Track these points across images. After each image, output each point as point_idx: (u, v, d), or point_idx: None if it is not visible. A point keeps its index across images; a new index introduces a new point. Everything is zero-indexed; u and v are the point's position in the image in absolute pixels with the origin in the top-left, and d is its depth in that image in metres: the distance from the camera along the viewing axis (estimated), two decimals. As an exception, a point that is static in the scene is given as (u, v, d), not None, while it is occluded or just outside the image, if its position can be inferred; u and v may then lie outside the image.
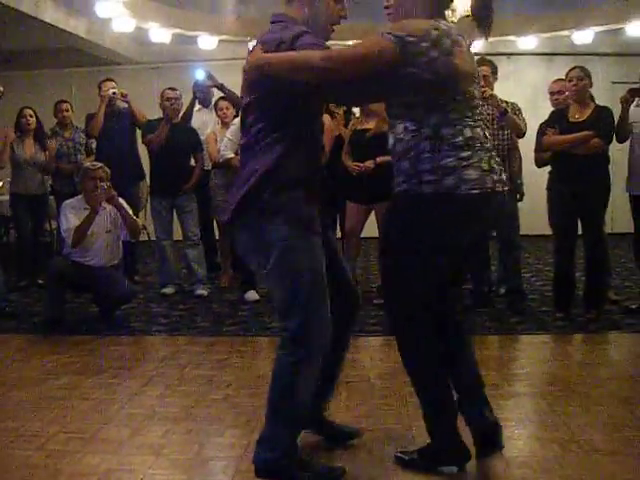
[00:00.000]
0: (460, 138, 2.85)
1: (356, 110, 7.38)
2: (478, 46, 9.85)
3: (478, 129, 2.92)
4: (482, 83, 5.89)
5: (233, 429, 3.75)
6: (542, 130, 6.05)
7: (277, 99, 2.86)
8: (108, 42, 10.03)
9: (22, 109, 7.82)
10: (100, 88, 7.81)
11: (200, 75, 7.88)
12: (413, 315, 3.06)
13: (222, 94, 7.71)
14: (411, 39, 2.73)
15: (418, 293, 3.02)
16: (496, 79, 6.28)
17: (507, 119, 5.92)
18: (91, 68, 10.92)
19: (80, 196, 6.25)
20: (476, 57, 6.10)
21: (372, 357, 5.13)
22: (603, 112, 5.86)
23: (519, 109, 6.20)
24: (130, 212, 6.27)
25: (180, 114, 7.32)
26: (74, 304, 6.76)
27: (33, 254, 7.85)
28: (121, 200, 6.23)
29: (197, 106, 7.99)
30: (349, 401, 4.10)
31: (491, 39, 10.25)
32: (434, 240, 2.94)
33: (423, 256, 2.94)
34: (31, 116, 7.72)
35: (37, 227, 7.95)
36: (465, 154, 2.84)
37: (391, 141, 2.99)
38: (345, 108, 6.96)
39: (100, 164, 6.25)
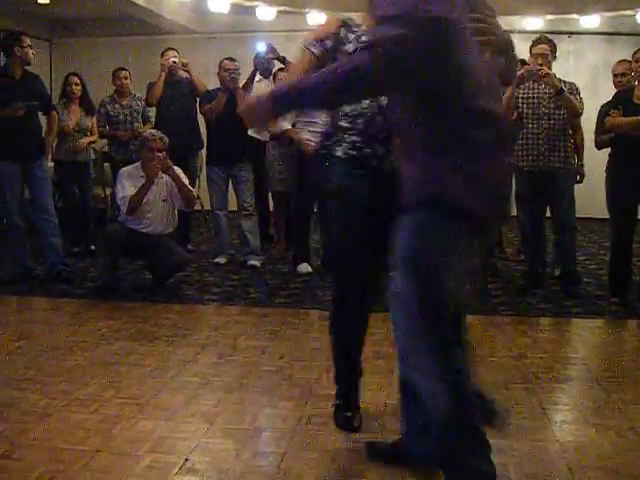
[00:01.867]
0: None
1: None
2: (540, 23, 9.73)
3: None
4: (540, 61, 5.83)
5: (286, 401, 3.76)
6: (604, 111, 5.95)
7: None
8: (166, 11, 10.05)
9: (68, 76, 7.85)
10: (162, 57, 7.83)
11: (261, 47, 7.86)
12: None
13: (283, 66, 7.69)
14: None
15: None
16: (555, 58, 6.16)
17: (563, 98, 5.82)
18: (148, 37, 10.98)
19: (137, 164, 6.28)
20: (536, 35, 6.07)
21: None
22: (668, 95, 5.74)
23: (577, 89, 6.08)
24: (186, 182, 6.29)
25: (239, 84, 7.29)
26: (128, 271, 6.82)
27: (82, 221, 7.92)
28: (177, 170, 6.25)
29: (258, 77, 7.97)
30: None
31: (552, 17, 10.18)
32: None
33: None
34: (77, 84, 7.75)
35: (83, 194, 7.99)
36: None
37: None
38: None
39: (160, 134, 6.27)
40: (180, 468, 3.01)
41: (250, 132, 7.75)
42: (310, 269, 6.90)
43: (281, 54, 7.81)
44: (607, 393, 3.93)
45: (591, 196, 7.00)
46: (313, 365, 4.28)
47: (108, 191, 8.65)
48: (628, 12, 10.08)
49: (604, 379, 4.17)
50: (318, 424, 3.44)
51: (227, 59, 7.29)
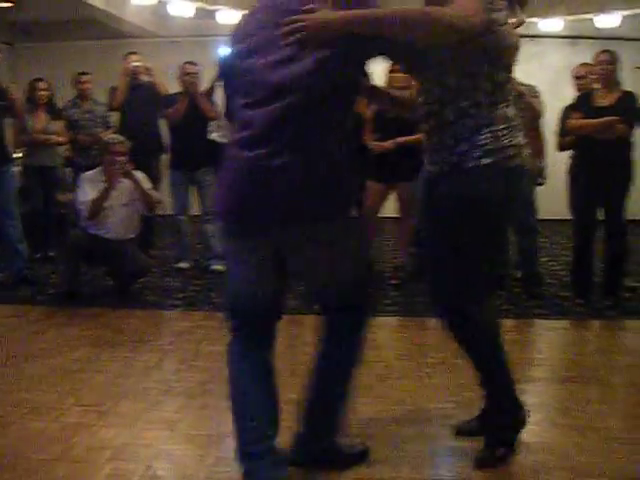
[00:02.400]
0: (518, 120, 2.92)
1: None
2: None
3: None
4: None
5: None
6: (566, 114, 6.01)
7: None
8: (128, 15, 9.96)
9: (33, 81, 7.74)
10: (124, 61, 7.77)
11: (224, 51, 7.86)
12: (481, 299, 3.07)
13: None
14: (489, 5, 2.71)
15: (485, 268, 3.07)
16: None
17: (524, 101, 5.86)
18: (111, 41, 10.88)
19: (98, 169, 6.22)
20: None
21: (389, 337, 5.11)
22: (629, 98, 5.81)
23: (537, 92, 6.14)
24: (148, 186, 6.24)
25: (200, 88, 7.25)
26: (90, 277, 6.75)
27: (45, 226, 7.83)
28: (139, 174, 6.20)
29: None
30: (368, 381, 4.08)
31: (514, 20, 10.17)
32: (504, 212, 2.99)
33: (503, 232, 3.08)
34: (43, 89, 7.67)
35: (48, 199, 7.90)
36: (520, 133, 2.91)
37: (451, 117, 2.86)
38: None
39: (120, 138, 6.22)
40: (142, 475, 2.99)
41: (212, 135, 7.72)
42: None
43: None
44: (571, 393, 3.96)
45: (554, 197, 7.03)
46: (277, 369, 4.23)
47: (70, 196, 8.55)
48: (589, 16, 10.19)
49: (568, 380, 4.20)
50: (282, 428, 3.41)
51: (188, 63, 7.25)
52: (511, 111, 2.89)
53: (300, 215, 2.60)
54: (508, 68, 2.91)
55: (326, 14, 2.48)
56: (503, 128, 2.83)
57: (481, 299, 3.04)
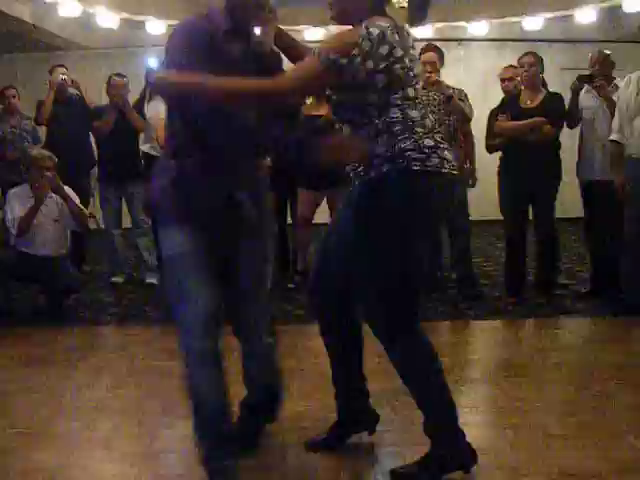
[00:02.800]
0: (427, 120, 2.87)
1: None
2: (428, 32, 9.90)
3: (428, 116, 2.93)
4: (428, 69, 5.91)
5: (184, 421, 3.64)
6: (494, 116, 6.09)
7: None
8: (54, 27, 9.83)
9: None
10: (51, 74, 7.65)
11: (152, 63, 7.79)
12: (410, 319, 2.92)
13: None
14: (343, 61, 2.69)
15: (412, 289, 2.93)
16: (442, 65, 6.26)
17: (452, 105, 5.93)
18: (37, 53, 10.72)
19: (26, 185, 6.11)
20: (424, 43, 6.17)
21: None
22: (554, 98, 5.93)
23: (465, 95, 6.23)
24: (77, 202, 6.15)
25: (128, 101, 7.17)
26: (21, 294, 6.62)
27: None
28: (68, 190, 6.10)
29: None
30: (305, 388, 4.06)
31: (441, 25, 10.41)
32: (422, 220, 2.89)
33: (416, 241, 2.88)
34: None
35: None
36: (437, 136, 2.86)
37: (348, 130, 2.93)
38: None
39: (47, 153, 6.12)
40: (77, 497, 2.93)
41: (143, 147, 7.64)
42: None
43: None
44: (505, 393, 4.01)
45: (485, 199, 7.13)
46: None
47: (-1, 213, 8.40)
48: (515, 19, 10.37)
49: (502, 379, 4.26)
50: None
51: (115, 75, 7.18)
52: (414, 113, 2.82)
53: None
54: (412, 86, 2.86)
55: (168, 77, 2.75)
56: (400, 131, 2.79)
57: (412, 325, 2.92)
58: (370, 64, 2.71)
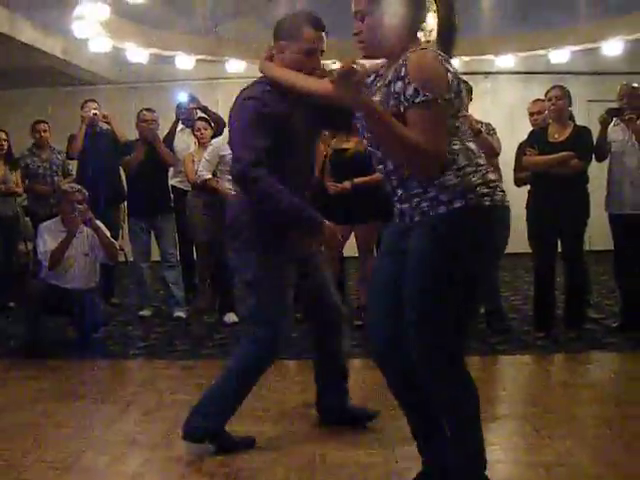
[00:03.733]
0: (482, 153, 2.85)
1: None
2: (456, 65, 9.91)
3: None
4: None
5: (213, 456, 3.68)
6: (522, 150, 6.09)
7: None
8: (85, 62, 9.98)
9: None
10: (82, 109, 7.75)
11: (183, 97, 7.90)
12: (455, 350, 2.86)
13: (200, 115, 7.72)
14: (447, 97, 2.66)
15: (467, 321, 2.95)
16: (471, 99, 6.25)
17: (481, 139, 5.91)
18: (68, 88, 10.88)
19: (57, 218, 6.19)
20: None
21: (353, 379, 5.07)
22: (582, 132, 5.92)
23: (493, 129, 6.21)
24: (108, 235, 6.20)
25: (157, 135, 7.24)
26: (52, 327, 6.66)
27: (6, 277, 7.73)
28: (99, 223, 6.16)
29: (180, 126, 7.96)
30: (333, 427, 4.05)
31: (468, 58, 10.44)
32: (490, 256, 2.87)
33: (480, 276, 2.85)
34: (3, 139, 7.63)
35: (9, 249, 7.82)
36: (489, 169, 2.82)
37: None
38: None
39: (78, 186, 6.20)
40: (105, 533, 2.92)
41: (172, 182, 7.73)
42: (236, 318, 6.81)
43: (202, 103, 7.89)
44: (536, 429, 3.94)
45: (514, 232, 7.06)
46: (240, 417, 4.20)
47: (30, 246, 8.48)
48: (541, 52, 10.38)
49: (532, 415, 4.19)
50: (247, 478, 3.38)
51: (145, 110, 7.26)
52: (472, 144, 2.82)
53: None
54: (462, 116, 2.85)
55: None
56: (468, 164, 2.74)
57: (461, 356, 2.87)
58: (458, 85, 2.73)
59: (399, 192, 2.85)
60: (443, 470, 2.97)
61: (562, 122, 5.96)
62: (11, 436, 4.02)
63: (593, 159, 6.10)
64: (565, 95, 5.95)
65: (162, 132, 7.50)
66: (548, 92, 6.05)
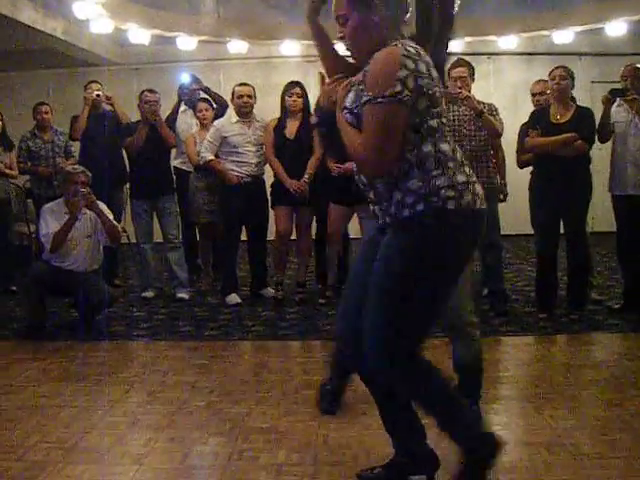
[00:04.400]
0: (458, 155, 2.77)
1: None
2: (459, 46, 9.89)
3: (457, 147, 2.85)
4: (459, 84, 5.88)
5: (216, 437, 3.70)
6: (524, 131, 6.07)
7: None
8: (86, 43, 9.94)
9: None
10: (85, 90, 7.73)
11: (185, 78, 7.87)
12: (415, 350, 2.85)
13: (203, 96, 7.71)
14: (398, 89, 2.58)
15: (429, 322, 2.90)
16: (473, 80, 6.22)
17: (483, 120, 5.88)
18: (69, 70, 10.86)
19: (60, 200, 6.17)
20: (454, 58, 6.16)
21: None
22: (585, 114, 5.89)
23: (496, 109, 6.16)
24: (110, 217, 6.19)
25: (160, 116, 7.22)
26: (54, 309, 6.68)
27: (4, 259, 7.73)
28: (101, 205, 6.15)
29: (182, 107, 7.94)
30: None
31: (471, 39, 10.38)
32: (455, 259, 2.82)
33: (448, 280, 2.83)
34: None
35: (3, 231, 7.79)
36: (467, 170, 2.77)
37: None
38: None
39: (82, 168, 6.17)
40: (109, 513, 2.94)
41: (174, 163, 7.72)
42: (239, 299, 6.84)
43: (204, 84, 7.88)
44: (538, 410, 3.96)
45: (516, 213, 7.10)
46: (242, 398, 4.24)
47: (32, 228, 8.48)
48: (544, 32, 10.33)
49: (535, 396, 4.20)
50: (249, 459, 3.40)
51: (147, 91, 7.23)
52: (445, 146, 2.73)
53: None
54: (439, 116, 2.74)
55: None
56: (436, 167, 2.69)
57: (413, 354, 2.83)
58: (419, 82, 2.62)
59: (370, 195, 2.86)
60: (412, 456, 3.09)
61: (564, 103, 5.93)
62: (15, 417, 4.04)
63: (596, 140, 6.09)
64: (569, 75, 5.92)
65: (164, 113, 7.48)
66: (552, 72, 6.01)
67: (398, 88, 2.58)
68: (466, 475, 2.89)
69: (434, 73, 2.69)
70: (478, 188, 2.78)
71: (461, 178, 2.72)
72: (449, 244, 2.73)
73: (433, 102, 2.69)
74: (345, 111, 2.75)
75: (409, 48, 2.65)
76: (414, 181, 2.69)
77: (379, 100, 2.59)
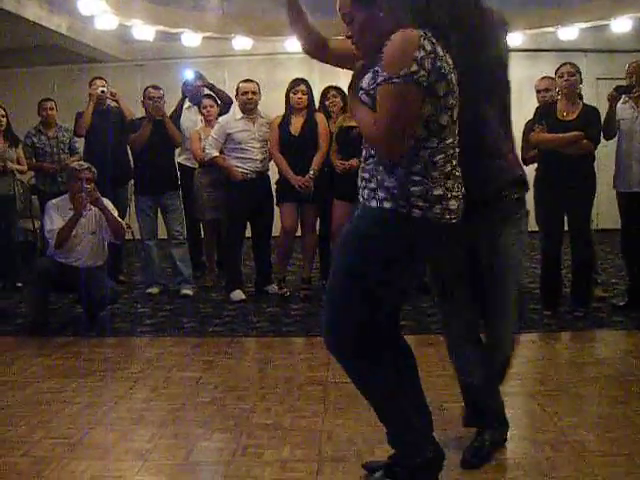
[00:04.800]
0: (449, 166, 2.74)
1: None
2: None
3: (455, 156, 2.82)
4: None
5: (221, 433, 3.70)
6: (529, 127, 6.06)
7: None
8: (91, 40, 9.94)
9: None
10: (90, 86, 7.73)
11: (189, 75, 7.87)
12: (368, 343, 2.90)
13: (207, 92, 7.71)
14: (414, 68, 2.57)
15: (371, 316, 2.88)
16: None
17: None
18: (73, 66, 10.86)
19: (65, 196, 6.18)
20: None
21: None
22: (592, 113, 5.88)
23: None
24: (115, 214, 6.19)
25: (165, 112, 7.21)
26: (59, 305, 6.69)
27: (9, 256, 7.73)
28: (106, 202, 6.16)
29: (187, 104, 7.94)
30: (338, 402, 4.06)
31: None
32: (403, 265, 2.82)
33: (392, 277, 2.82)
34: (3, 116, 7.61)
35: (7, 228, 7.79)
36: (450, 184, 2.73)
37: (372, 151, 2.81)
38: (341, 106, 6.90)
39: (87, 164, 6.17)
40: (113, 508, 2.95)
41: (179, 159, 7.72)
42: (243, 296, 6.84)
43: (208, 80, 7.87)
44: (542, 407, 3.96)
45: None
46: (247, 394, 4.24)
47: (37, 224, 8.49)
48: (549, 29, 10.31)
49: (539, 393, 4.21)
50: (253, 455, 3.40)
51: (151, 87, 7.22)
52: (439, 157, 2.71)
53: None
54: (451, 110, 2.73)
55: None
56: (417, 174, 2.68)
57: (372, 349, 2.89)
58: (437, 63, 2.61)
59: (360, 172, 2.89)
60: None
61: (572, 100, 5.92)
62: (20, 413, 4.05)
63: (601, 137, 6.08)
64: (577, 72, 5.92)
65: (168, 110, 7.48)
66: (559, 69, 6.00)
67: (414, 68, 2.56)
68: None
69: (450, 60, 2.69)
70: (454, 203, 2.74)
71: (437, 192, 2.69)
72: (401, 248, 2.76)
73: (451, 89, 2.68)
74: (361, 92, 2.75)
75: (427, 32, 2.63)
76: (392, 179, 2.70)
77: (394, 80, 2.58)
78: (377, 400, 2.98)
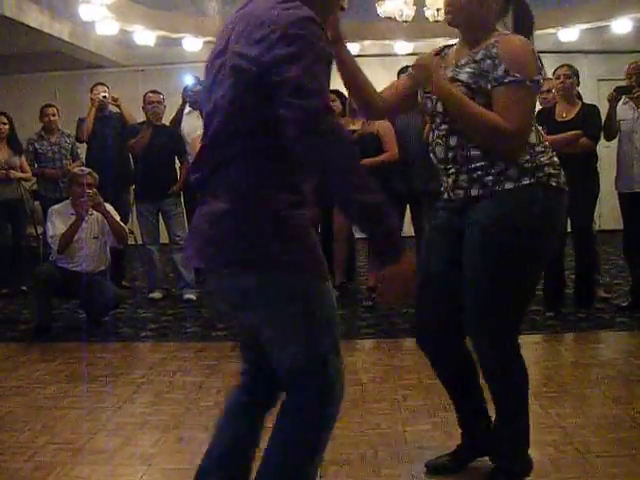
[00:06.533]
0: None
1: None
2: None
3: None
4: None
5: (224, 437, 3.70)
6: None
7: None
8: (92, 45, 9.98)
9: None
10: (92, 92, 7.75)
11: (190, 80, 7.88)
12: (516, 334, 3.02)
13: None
14: (536, 79, 2.74)
15: (525, 299, 3.02)
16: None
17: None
18: (75, 72, 10.87)
19: (67, 202, 6.20)
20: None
21: (364, 360, 5.09)
22: (590, 111, 5.89)
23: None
24: (117, 219, 6.21)
25: (164, 117, 7.23)
26: (62, 310, 6.70)
27: (15, 260, 7.75)
28: (108, 206, 6.17)
29: (187, 109, 7.95)
30: (343, 405, 4.05)
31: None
32: (555, 238, 2.93)
33: (540, 255, 2.89)
34: (4, 123, 7.63)
35: (16, 233, 7.82)
36: (554, 153, 2.86)
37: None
38: (340, 110, 6.88)
39: (88, 170, 6.20)
40: (117, 514, 2.94)
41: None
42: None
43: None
44: (545, 409, 3.95)
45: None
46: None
47: (40, 229, 8.50)
48: (550, 30, 10.31)
49: (542, 395, 4.19)
50: (256, 458, 3.39)
51: (151, 92, 7.25)
52: (539, 126, 2.90)
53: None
54: None
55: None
56: (538, 144, 2.80)
57: (515, 335, 3.01)
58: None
59: (457, 166, 2.84)
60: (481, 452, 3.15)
61: (570, 101, 5.94)
62: (23, 418, 4.05)
63: (602, 138, 6.08)
64: (573, 74, 5.93)
65: (169, 115, 7.49)
66: (556, 71, 6.03)
67: (539, 77, 2.74)
68: None
69: None
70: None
71: (557, 159, 2.83)
72: (549, 219, 2.80)
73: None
74: (458, 84, 2.78)
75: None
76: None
77: (528, 83, 2.69)
78: (524, 391, 3.05)
